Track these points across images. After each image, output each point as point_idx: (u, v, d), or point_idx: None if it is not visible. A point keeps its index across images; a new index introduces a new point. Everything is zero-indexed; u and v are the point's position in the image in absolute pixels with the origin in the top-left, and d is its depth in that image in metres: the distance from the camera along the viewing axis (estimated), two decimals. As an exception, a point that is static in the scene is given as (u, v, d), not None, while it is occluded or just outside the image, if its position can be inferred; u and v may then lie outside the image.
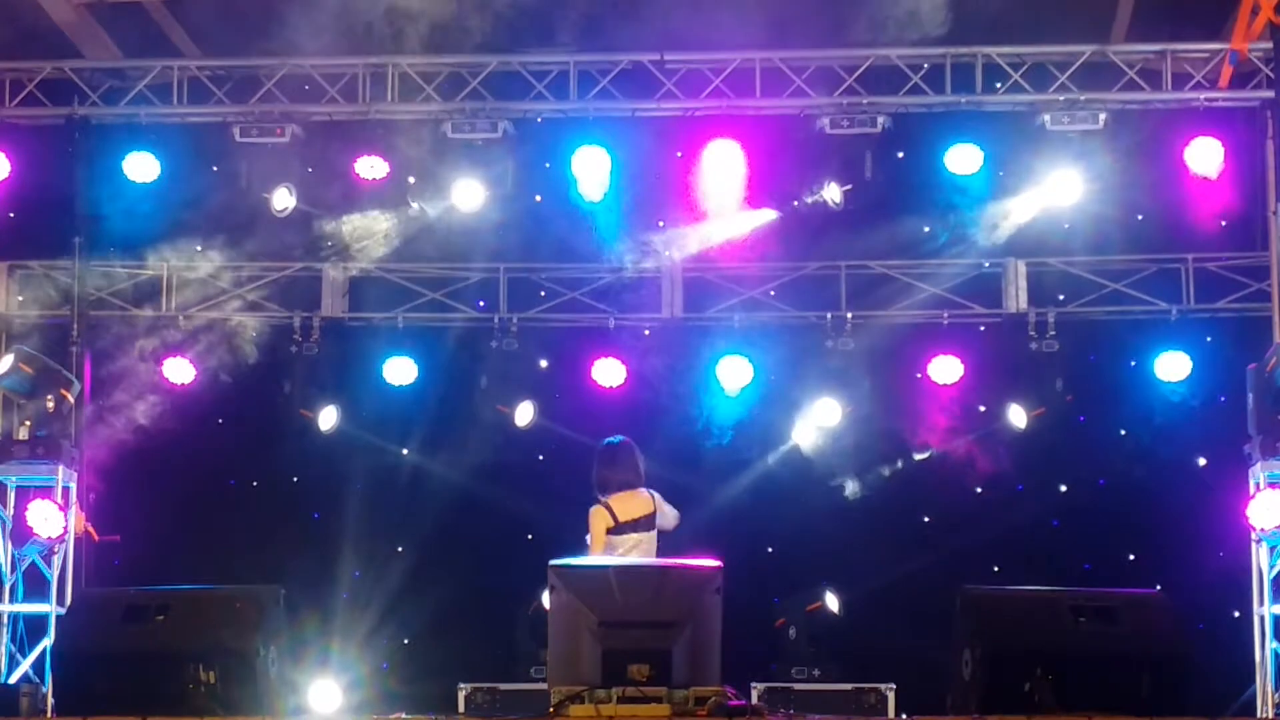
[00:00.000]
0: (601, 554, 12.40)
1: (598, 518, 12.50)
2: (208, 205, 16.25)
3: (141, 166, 16.07)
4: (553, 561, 11.12)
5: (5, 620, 14.70)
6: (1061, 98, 15.52)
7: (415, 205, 16.15)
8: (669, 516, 12.70)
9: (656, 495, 12.67)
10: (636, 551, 12.45)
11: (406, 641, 16.57)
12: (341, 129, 16.12)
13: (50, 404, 14.73)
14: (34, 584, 14.67)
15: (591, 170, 15.88)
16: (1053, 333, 16.37)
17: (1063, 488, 16.21)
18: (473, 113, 15.82)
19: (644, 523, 12.56)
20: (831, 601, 15.82)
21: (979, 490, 15.71)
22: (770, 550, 16.15)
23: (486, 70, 15.87)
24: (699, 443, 16.17)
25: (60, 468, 14.62)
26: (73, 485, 14.84)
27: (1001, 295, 16.63)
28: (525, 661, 15.06)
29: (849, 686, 14.73)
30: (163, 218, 16.37)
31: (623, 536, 12.49)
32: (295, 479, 16.87)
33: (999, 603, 11.65)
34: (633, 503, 12.60)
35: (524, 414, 16.65)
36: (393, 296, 16.95)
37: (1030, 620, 11.13)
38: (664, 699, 10.24)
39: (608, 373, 16.68)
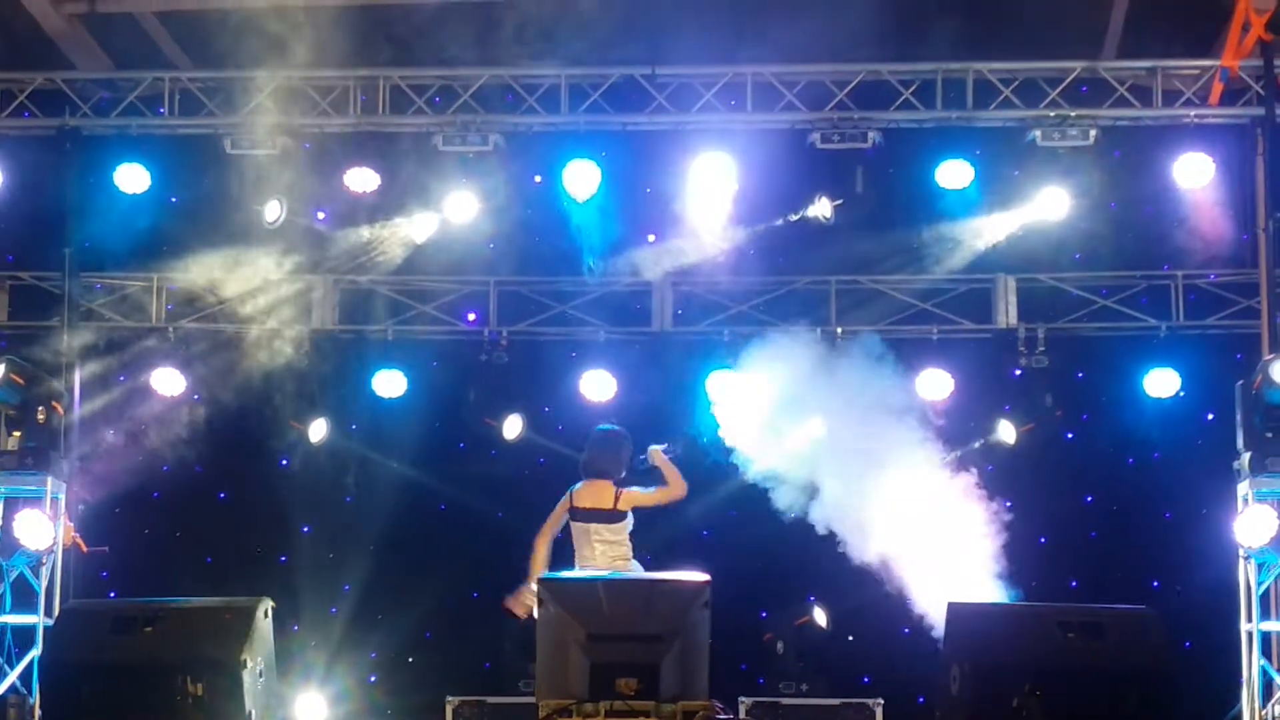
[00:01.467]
0: (548, 533, 12.80)
1: (563, 500, 12.87)
2: (198, 217, 16.25)
3: (132, 177, 16.09)
4: (541, 575, 11.14)
5: (-7, 631, 14.70)
6: (1052, 114, 15.55)
7: (404, 221, 16.17)
8: (661, 494, 13.02)
9: (630, 490, 12.87)
10: (580, 540, 12.79)
11: (394, 654, 16.55)
12: (333, 141, 16.12)
13: (41, 415, 14.70)
14: (22, 595, 14.64)
15: (582, 184, 15.90)
16: (1042, 348, 16.37)
17: (1050, 504, 16.18)
18: (464, 125, 15.83)
19: (592, 514, 12.78)
20: (819, 616, 15.82)
21: (967, 505, 15.69)
22: (758, 565, 16.14)
23: (478, 83, 15.88)
24: (689, 456, 16.13)
25: (49, 479, 14.61)
26: (61, 496, 14.82)
27: (991, 310, 16.64)
28: (513, 675, 15.05)
29: (836, 701, 14.72)
30: (153, 229, 16.37)
31: (575, 523, 12.84)
32: (284, 491, 16.84)
33: (987, 618, 11.68)
34: (588, 491, 12.88)
35: (513, 427, 16.64)
36: (383, 309, 16.93)
37: (1018, 636, 11.16)
38: (652, 713, 10.26)
39: (598, 386, 16.67)
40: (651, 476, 13.06)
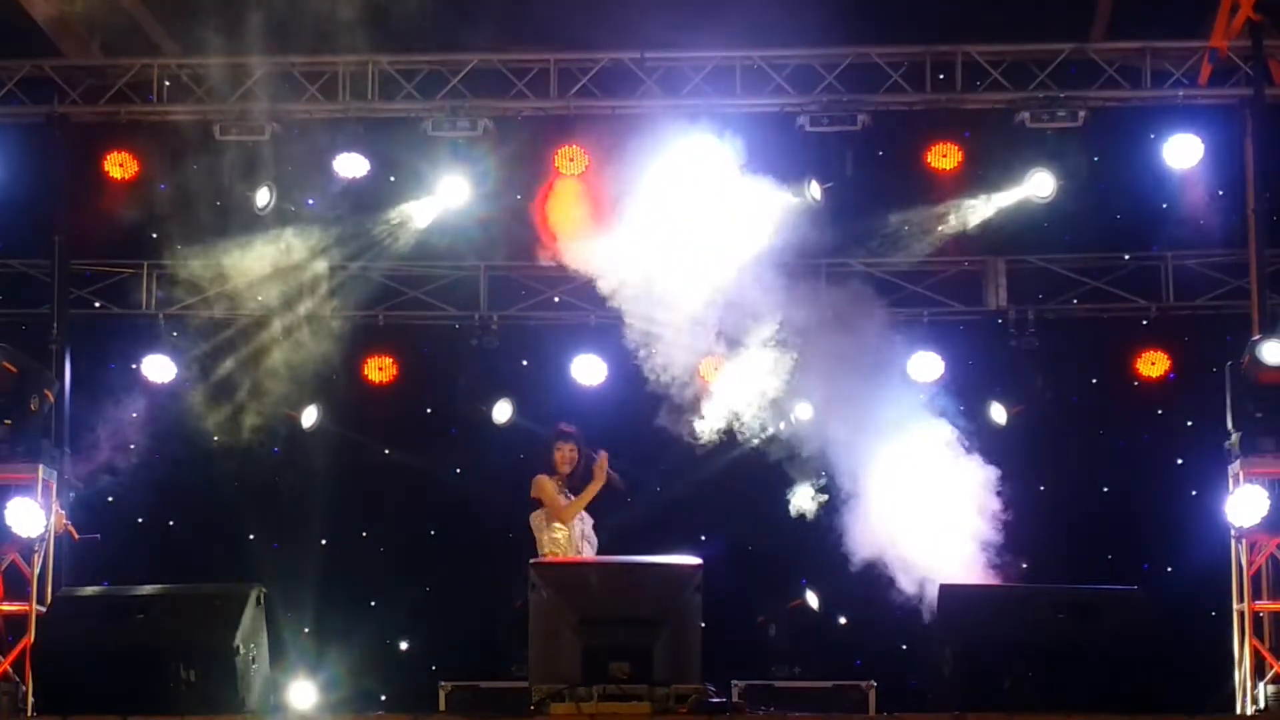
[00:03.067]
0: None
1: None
2: (188, 203, 16.22)
3: (121, 165, 16.07)
4: (533, 559, 11.15)
5: (-14, 619, 14.68)
6: (1041, 95, 15.55)
7: (397, 209, 16.19)
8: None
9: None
10: None
11: (387, 640, 16.56)
12: (322, 127, 16.11)
13: (32, 403, 14.67)
14: (14, 583, 14.62)
15: (571, 166, 15.91)
16: (1032, 330, 16.40)
17: (1041, 486, 16.19)
18: (453, 110, 15.81)
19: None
20: (812, 599, 15.83)
21: (958, 488, 15.72)
22: (750, 548, 16.14)
23: (467, 68, 15.87)
24: (679, 440, 16.12)
25: (40, 466, 14.57)
26: (53, 484, 14.79)
27: (981, 292, 16.66)
28: (507, 659, 15.04)
29: (829, 684, 14.68)
30: (142, 216, 16.35)
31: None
32: (277, 478, 16.84)
33: (979, 600, 11.70)
34: None
35: (502, 412, 16.65)
36: (373, 294, 16.92)
37: (1010, 617, 11.18)
38: (645, 697, 10.28)
39: (588, 370, 16.69)
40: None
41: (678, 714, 10.30)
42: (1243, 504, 13.88)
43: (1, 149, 16.19)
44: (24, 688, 13.66)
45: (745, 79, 15.80)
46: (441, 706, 14.05)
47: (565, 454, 12.80)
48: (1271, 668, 13.91)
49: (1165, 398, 16.43)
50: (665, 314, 16.23)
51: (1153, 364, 16.43)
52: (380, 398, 16.87)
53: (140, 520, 16.58)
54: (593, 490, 12.61)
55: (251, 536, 16.51)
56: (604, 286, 15.73)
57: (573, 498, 12.63)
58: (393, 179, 16.27)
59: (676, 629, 10.46)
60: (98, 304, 16.85)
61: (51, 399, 14.90)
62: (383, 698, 16.02)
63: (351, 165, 16.09)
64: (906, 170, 16.03)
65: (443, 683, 14.48)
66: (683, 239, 15.76)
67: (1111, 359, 16.62)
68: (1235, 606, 14.21)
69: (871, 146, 15.89)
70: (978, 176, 16.03)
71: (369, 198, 16.29)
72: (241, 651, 11.08)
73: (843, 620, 16.25)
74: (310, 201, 16.40)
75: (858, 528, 15.17)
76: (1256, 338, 14.24)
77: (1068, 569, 15.48)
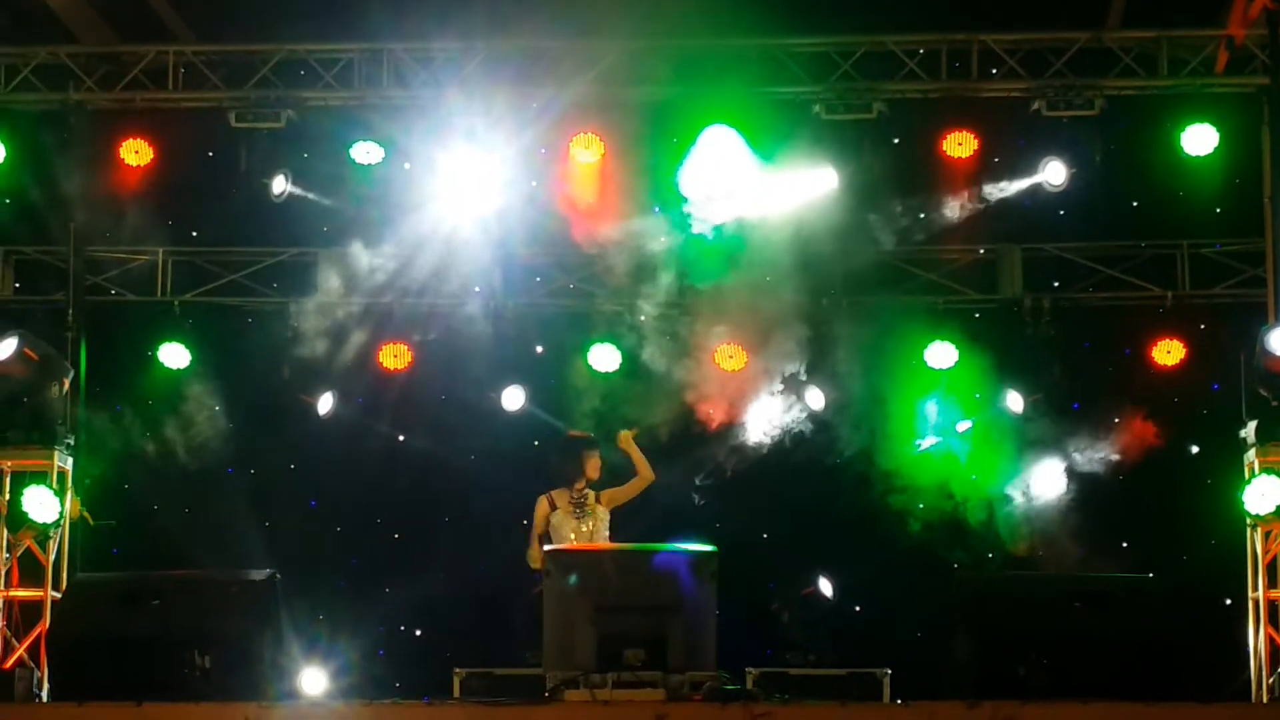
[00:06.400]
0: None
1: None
2: (204, 190, 16.25)
3: (136, 151, 16.08)
4: (548, 547, 11.14)
5: (0, 605, 14.70)
6: (1057, 83, 15.52)
7: (412, 197, 16.17)
8: (634, 485, 13.20)
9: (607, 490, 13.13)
10: None
11: (401, 627, 16.58)
12: (338, 114, 16.10)
13: (49, 390, 14.70)
14: (29, 569, 14.66)
15: (587, 154, 15.89)
16: (1048, 318, 16.39)
17: (1055, 474, 16.16)
18: (469, 97, 15.79)
19: None
20: (825, 586, 15.83)
21: (974, 477, 15.72)
22: (765, 535, 16.15)
23: (482, 55, 15.84)
24: (692, 428, 16.14)
25: (56, 453, 14.60)
26: (69, 470, 14.82)
27: (997, 280, 16.64)
28: (521, 646, 15.05)
29: (844, 671, 14.70)
30: (158, 203, 16.37)
31: None
32: (292, 465, 16.86)
33: (993, 587, 11.70)
34: None
35: (516, 399, 16.65)
36: (388, 281, 16.90)
37: (1024, 605, 11.16)
38: (659, 683, 10.28)
39: (602, 357, 16.68)
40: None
41: (692, 701, 10.29)
42: (1259, 492, 13.87)
43: (18, 135, 16.20)
44: (39, 674, 13.69)
45: (760, 66, 15.77)
46: (456, 693, 14.08)
47: (596, 462, 12.91)
48: (1286, 656, 13.93)
49: (1181, 386, 16.41)
50: (679, 300, 16.30)
51: (1168, 352, 16.40)
52: (395, 384, 16.87)
53: (155, 507, 16.61)
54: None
55: (266, 523, 16.52)
56: (618, 273, 15.75)
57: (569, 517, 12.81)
58: (408, 166, 16.24)
59: (691, 616, 10.46)
60: (113, 291, 16.87)
61: (67, 386, 14.94)
62: (396, 684, 16.02)
63: (367, 152, 16.08)
64: (922, 158, 16.00)
65: (457, 669, 14.51)
66: (697, 226, 15.80)
67: (1127, 347, 16.60)
68: (1250, 595, 14.21)
69: (887, 134, 15.86)
70: (993, 164, 16.01)
71: (384, 185, 16.27)
72: (257, 638, 11.09)
73: (857, 607, 16.25)
74: (326, 188, 16.37)
75: (872, 514, 15.19)
76: (1267, 326, 14.22)
77: (1082, 557, 15.51)
